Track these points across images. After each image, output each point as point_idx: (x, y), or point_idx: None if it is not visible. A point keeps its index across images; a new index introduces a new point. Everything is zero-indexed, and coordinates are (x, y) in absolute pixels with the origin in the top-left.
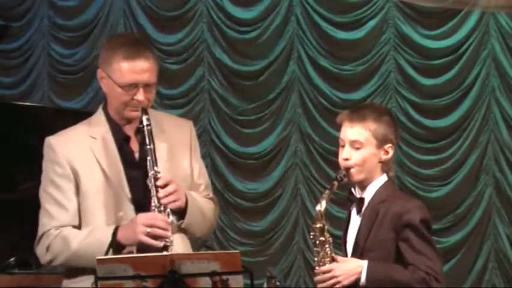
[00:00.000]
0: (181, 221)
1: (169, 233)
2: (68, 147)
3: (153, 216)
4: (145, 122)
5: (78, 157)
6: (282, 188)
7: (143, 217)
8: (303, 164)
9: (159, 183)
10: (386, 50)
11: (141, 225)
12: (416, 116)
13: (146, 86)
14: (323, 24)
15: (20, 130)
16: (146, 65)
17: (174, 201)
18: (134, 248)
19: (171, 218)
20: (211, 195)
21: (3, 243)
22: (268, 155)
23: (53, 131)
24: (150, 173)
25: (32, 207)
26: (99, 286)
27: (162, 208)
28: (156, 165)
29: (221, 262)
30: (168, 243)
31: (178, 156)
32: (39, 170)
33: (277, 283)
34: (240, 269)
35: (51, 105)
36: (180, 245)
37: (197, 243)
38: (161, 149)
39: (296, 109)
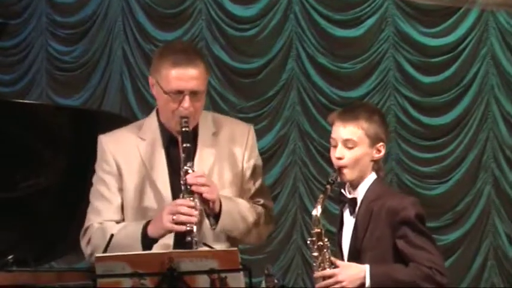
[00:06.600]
0: (214, 226)
1: (193, 218)
2: (116, 145)
3: (176, 203)
4: (182, 124)
5: (125, 155)
6: (280, 185)
7: (168, 205)
8: (301, 161)
9: (189, 176)
10: (385, 48)
11: (167, 214)
12: (415, 114)
13: (193, 93)
14: (322, 22)
15: (18, 128)
16: (194, 72)
17: (202, 185)
18: (171, 239)
19: (199, 205)
20: (263, 201)
21: (2, 242)
22: (266, 152)
23: (52, 128)
24: (183, 169)
25: (32, 206)
26: (97, 284)
27: (190, 196)
28: (190, 161)
29: (219, 260)
30: (190, 228)
31: (226, 163)
32: (38, 169)
33: (276, 281)
34: (238, 266)
35: (49, 102)
36: (212, 240)
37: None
38: (208, 156)
39: (295, 107)
